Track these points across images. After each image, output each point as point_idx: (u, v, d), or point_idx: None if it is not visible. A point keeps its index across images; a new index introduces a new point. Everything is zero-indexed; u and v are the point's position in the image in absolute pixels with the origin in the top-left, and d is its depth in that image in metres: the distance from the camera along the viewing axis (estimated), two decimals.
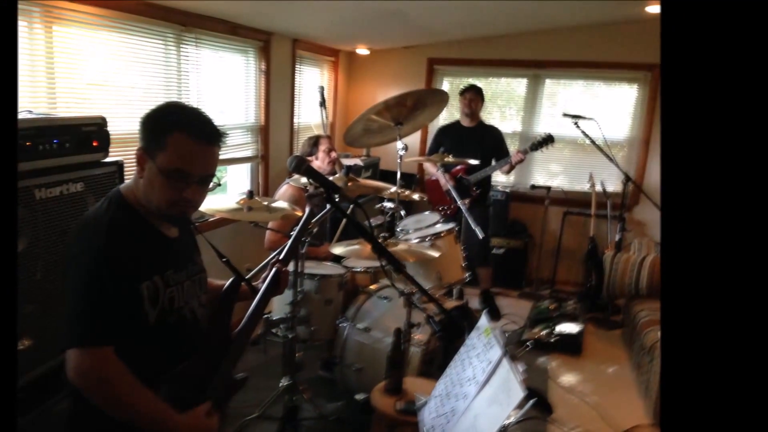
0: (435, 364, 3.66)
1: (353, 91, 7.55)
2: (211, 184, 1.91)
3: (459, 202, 4.56)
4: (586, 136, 5.66)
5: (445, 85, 7.22)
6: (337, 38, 6.53)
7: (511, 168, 5.66)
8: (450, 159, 4.65)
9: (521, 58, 6.77)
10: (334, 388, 4.12)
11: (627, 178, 5.83)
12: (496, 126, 6.09)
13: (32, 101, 3.17)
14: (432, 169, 5.77)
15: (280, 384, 3.66)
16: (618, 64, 6.48)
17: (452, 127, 6.03)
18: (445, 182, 4.91)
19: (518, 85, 7.04)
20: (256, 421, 3.81)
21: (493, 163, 5.76)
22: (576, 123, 5.67)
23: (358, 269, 4.24)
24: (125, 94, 3.89)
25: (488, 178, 5.87)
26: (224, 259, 2.12)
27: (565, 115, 5.76)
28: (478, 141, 5.81)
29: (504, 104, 7.13)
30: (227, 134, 1.93)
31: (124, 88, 3.88)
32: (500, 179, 6.94)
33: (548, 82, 6.84)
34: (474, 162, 5.09)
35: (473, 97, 5.82)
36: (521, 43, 6.71)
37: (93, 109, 3.59)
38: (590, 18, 6.12)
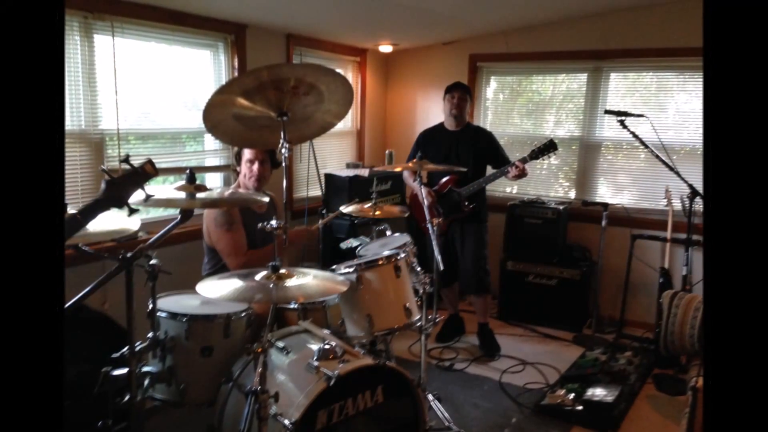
0: None
1: (392, 90, 5.98)
2: None
3: (428, 221, 3.05)
4: (635, 137, 3.79)
5: (493, 84, 5.44)
6: (364, 37, 5.11)
7: (517, 178, 3.96)
8: (431, 166, 3.22)
9: (578, 49, 4.88)
10: None
11: (693, 192, 3.81)
12: (485, 128, 4.67)
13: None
14: (409, 181, 4.38)
15: None
16: (694, 50, 4.33)
17: (436, 131, 4.39)
18: (423, 197, 3.29)
19: (576, 82, 5.10)
20: None
21: (488, 172, 4.17)
22: (622, 121, 3.84)
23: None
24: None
25: (483, 190, 4.22)
26: None
27: (607, 111, 4.02)
28: (468, 147, 4.22)
29: (560, 105, 5.22)
30: None
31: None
32: (558, 194, 5.12)
33: (613, 75, 4.84)
34: (462, 170, 3.52)
35: (462, 96, 4.21)
36: (578, 30, 4.85)
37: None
38: None
